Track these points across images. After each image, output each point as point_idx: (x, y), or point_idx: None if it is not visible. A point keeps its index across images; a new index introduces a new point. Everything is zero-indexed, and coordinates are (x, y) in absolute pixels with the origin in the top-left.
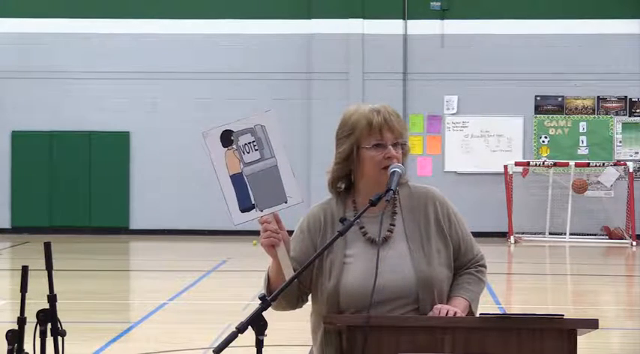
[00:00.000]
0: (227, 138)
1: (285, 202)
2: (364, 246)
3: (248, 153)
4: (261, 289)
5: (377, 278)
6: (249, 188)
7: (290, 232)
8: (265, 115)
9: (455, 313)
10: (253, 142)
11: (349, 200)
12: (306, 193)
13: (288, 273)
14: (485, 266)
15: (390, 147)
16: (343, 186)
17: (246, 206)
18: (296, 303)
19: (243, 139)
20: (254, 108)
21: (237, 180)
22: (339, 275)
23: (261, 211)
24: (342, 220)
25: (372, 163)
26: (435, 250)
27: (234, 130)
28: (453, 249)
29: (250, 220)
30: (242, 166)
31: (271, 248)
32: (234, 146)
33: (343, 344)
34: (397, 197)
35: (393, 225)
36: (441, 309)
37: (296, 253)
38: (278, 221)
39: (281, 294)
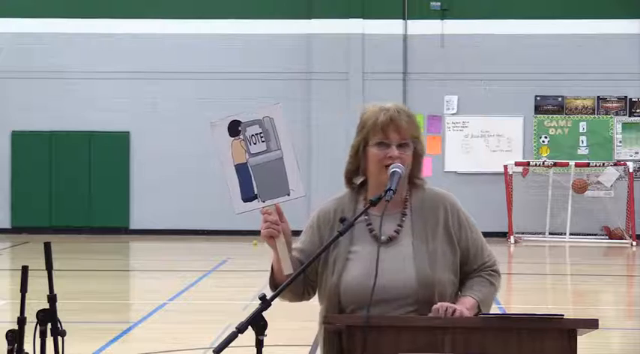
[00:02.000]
0: (234, 128)
1: (288, 195)
2: (369, 244)
3: (255, 144)
4: (261, 288)
5: (378, 277)
6: (252, 179)
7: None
8: (274, 108)
9: (455, 310)
10: (260, 133)
11: (361, 196)
12: (305, 192)
13: (286, 265)
14: (497, 272)
15: (394, 147)
16: (359, 181)
17: (248, 196)
18: (302, 295)
19: (251, 130)
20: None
21: (242, 170)
22: (341, 271)
23: (263, 201)
24: (342, 219)
25: (374, 160)
26: (440, 254)
27: (242, 121)
28: (461, 254)
29: (251, 210)
30: (247, 157)
31: (270, 239)
32: (240, 137)
33: (343, 344)
34: (408, 198)
35: (401, 226)
36: (441, 306)
37: (304, 245)
38: (280, 213)
39: (288, 287)
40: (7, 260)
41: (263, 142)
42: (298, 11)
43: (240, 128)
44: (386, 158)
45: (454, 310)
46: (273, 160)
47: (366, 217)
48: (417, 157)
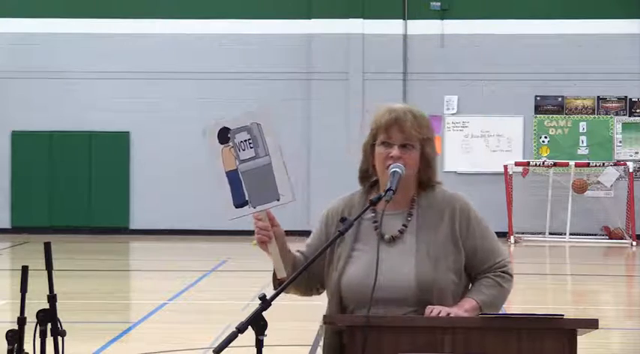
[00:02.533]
0: (224, 135)
1: (278, 200)
2: (373, 242)
3: (243, 150)
4: (261, 288)
5: (378, 276)
6: (243, 185)
7: (290, 232)
8: (261, 114)
9: (447, 313)
10: (249, 139)
11: (372, 195)
12: (305, 192)
13: (279, 269)
14: (508, 273)
15: (397, 147)
16: (372, 180)
17: (239, 202)
18: (309, 292)
19: (240, 137)
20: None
21: (233, 176)
22: (342, 268)
23: (254, 207)
24: (342, 219)
25: (379, 160)
26: (442, 255)
27: (231, 128)
28: (467, 256)
29: (243, 216)
30: (237, 163)
31: (262, 244)
32: (230, 143)
33: (343, 344)
34: (416, 199)
35: (406, 226)
36: (433, 309)
37: (313, 242)
38: (271, 218)
39: (290, 284)
40: (7, 260)
41: (251, 148)
42: (298, 11)
43: (229, 135)
44: (387, 158)
45: (447, 314)
46: (262, 166)
47: (372, 214)
48: (426, 160)
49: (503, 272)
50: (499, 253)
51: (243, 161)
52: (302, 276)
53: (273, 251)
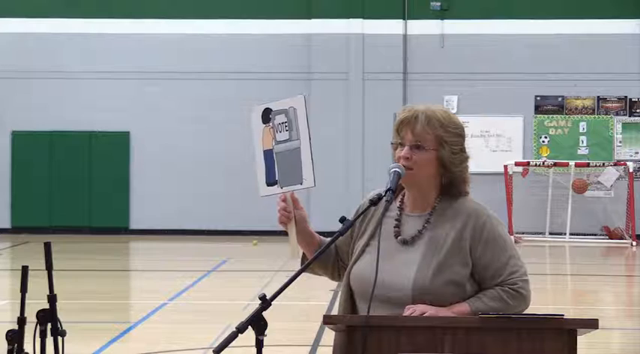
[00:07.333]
0: (266, 115)
1: (300, 184)
2: (388, 240)
3: (280, 132)
4: (261, 288)
5: (382, 275)
6: (275, 164)
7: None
8: (297, 99)
9: (422, 313)
10: (285, 122)
11: (400, 194)
12: (304, 191)
13: (293, 250)
14: (516, 291)
15: (407, 147)
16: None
17: (271, 181)
18: (336, 275)
19: (278, 119)
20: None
21: (269, 155)
22: (355, 260)
23: (281, 188)
24: (342, 219)
25: (394, 159)
26: (446, 266)
27: (273, 109)
28: (475, 272)
29: (272, 194)
30: (274, 144)
31: (283, 225)
32: (270, 124)
33: (343, 343)
34: (436, 205)
35: (421, 231)
36: (409, 308)
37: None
38: (294, 200)
39: (315, 260)
40: (7, 260)
41: (287, 130)
42: (298, 11)
43: (270, 116)
44: (398, 158)
45: (422, 313)
46: (293, 149)
47: (397, 213)
48: (442, 162)
49: (512, 289)
50: (512, 270)
51: (279, 142)
52: (329, 259)
53: (291, 233)
